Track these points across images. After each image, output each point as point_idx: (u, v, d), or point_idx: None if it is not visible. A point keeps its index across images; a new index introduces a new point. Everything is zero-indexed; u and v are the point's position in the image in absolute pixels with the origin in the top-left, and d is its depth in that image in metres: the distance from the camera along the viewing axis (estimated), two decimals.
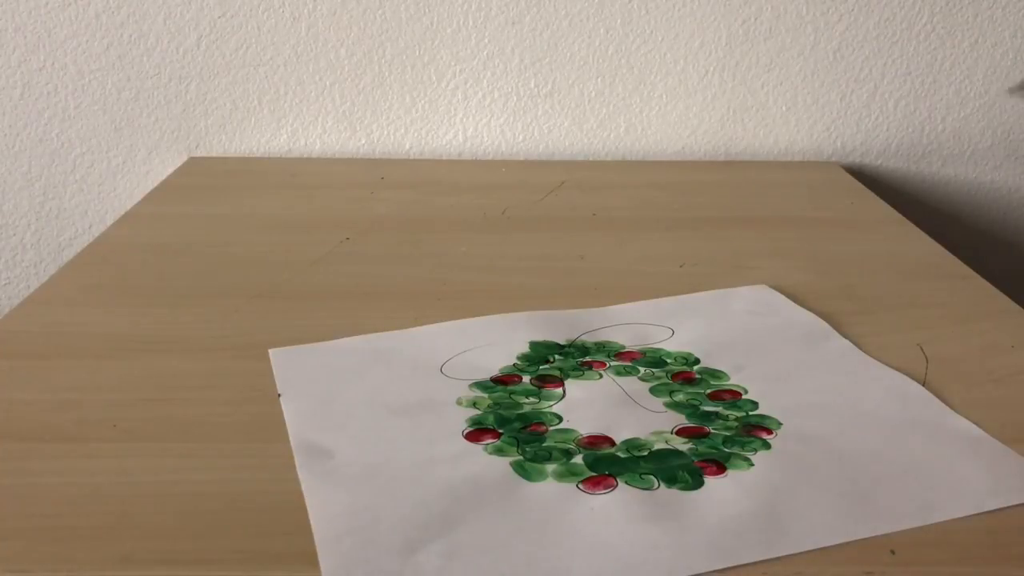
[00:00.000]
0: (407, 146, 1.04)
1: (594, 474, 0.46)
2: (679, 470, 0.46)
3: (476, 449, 0.48)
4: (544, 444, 0.48)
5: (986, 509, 0.43)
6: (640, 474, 0.46)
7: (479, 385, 0.54)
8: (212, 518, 0.43)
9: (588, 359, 0.57)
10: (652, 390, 0.54)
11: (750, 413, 0.52)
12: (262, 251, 0.75)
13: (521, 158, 1.04)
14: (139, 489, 0.45)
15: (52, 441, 0.48)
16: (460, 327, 0.60)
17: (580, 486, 0.45)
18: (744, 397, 0.54)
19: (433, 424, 0.50)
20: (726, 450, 0.48)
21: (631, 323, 0.62)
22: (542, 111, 1.03)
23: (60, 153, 1.02)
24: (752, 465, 0.47)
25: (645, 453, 0.48)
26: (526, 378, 0.55)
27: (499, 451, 0.48)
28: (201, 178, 0.96)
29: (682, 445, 0.49)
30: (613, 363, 0.57)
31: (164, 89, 1.00)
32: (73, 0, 0.96)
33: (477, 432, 0.49)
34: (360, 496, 0.43)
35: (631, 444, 0.49)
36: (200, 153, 1.02)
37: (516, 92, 1.02)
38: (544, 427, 0.50)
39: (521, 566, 0.39)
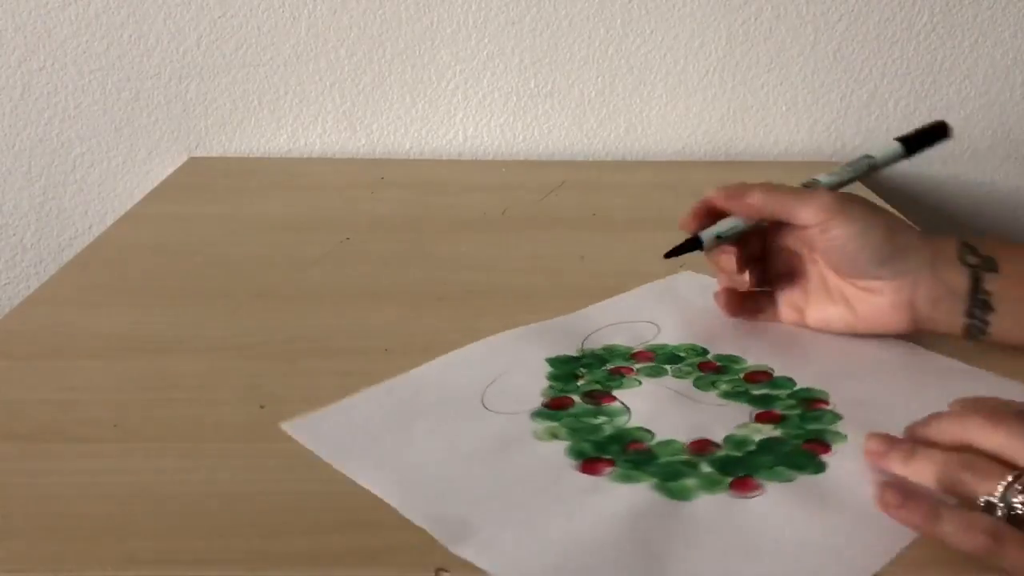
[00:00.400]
0: (407, 146, 1.04)
1: (731, 478, 0.45)
2: (796, 457, 0.47)
3: (602, 482, 0.45)
4: (660, 460, 0.46)
5: None
6: (769, 467, 0.46)
7: (540, 415, 0.50)
8: (212, 518, 0.43)
9: (611, 366, 0.56)
10: (696, 385, 0.54)
11: (795, 389, 0.53)
12: (262, 251, 0.75)
13: (521, 158, 1.04)
14: (139, 489, 0.45)
15: (52, 441, 0.48)
16: (463, 359, 0.56)
17: (730, 493, 0.44)
18: (776, 375, 0.55)
19: (535, 465, 0.46)
20: (812, 427, 0.49)
21: (618, 323, 0.61)
22: (542, 111, 1.03)
23: (60, 153, 1.02)
24: (846, 438, 0.48)
25: (753, 447, 0.48)
26: (576, 398, 0.52)
27: (627, 478, 0.45)
28: (201, 178, 0.96)
29: (773, 432, 0.49)
30: (637, 366, 0.56)
31: (164, 89, 1.00)
32: (73, 0, 0.96)
33: (589, 464, 0.46)
34: (547, 556, 0.40)
35: (735, 441, 0.48)
36: (200, 153, 1.02)
37: (516, 92, 1.02)
38: (643, 444, 0.48)
39: None
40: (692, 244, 0.57)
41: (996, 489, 0.39)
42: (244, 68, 1.00)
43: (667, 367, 0.56)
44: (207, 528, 0.42)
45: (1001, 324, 0.52)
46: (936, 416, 0.45)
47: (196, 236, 0.79)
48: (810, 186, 0.58)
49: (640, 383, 0.54)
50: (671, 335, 0.60)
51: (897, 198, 1.05)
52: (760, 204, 0.55)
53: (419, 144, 1.04)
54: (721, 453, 0.47)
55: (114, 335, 0.60)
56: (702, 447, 0.48)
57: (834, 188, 0.58)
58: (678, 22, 0.99)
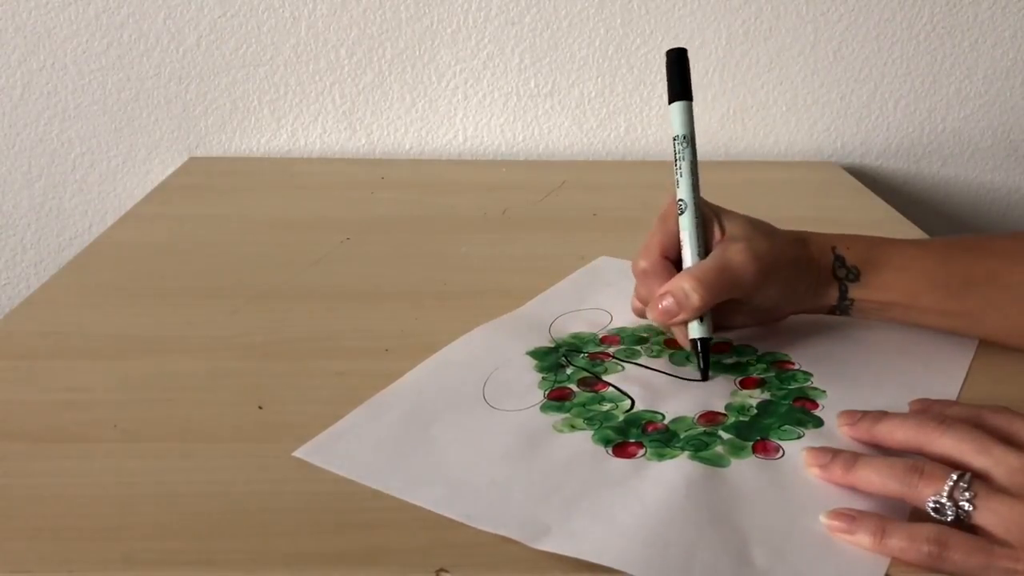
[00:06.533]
0: (407, 146, 1.04)
1: (751, 442, 0.48)
2: (793, 414, 0.51)
3: (640, 462, 0.46)
4: (682, 436, 0.48)
5: None
6: (778, 428, 0.49)
7: (548, 408, 0.51)
8: (212, 518, 0.43)
9: (587, 352, 0.57)
10: (672, 360, 0.57)
11: (759, 354, 0.57)
12: (262, 251, 0.75)
13: (521, 158, 1.04)
14: (139, 489, 0.45)
15: (52, 441, 0.48)
16: (446, 362, 0.56)
17: (756, 456, 0.47)
18: (735, 344, 0.59)
19: (570, 456, 0.47)
20: (792, 387, 0.53)
21: (572, 311, 0.63)
22: (542, 111, 1.03)
23: (60, 153, 1.02)
24: (825, 393, 0.53)
25: (755, 411, 0.51)
26: (573, 387, 0.53)
27: (661, 456, 0.46)
28: (201, 178, 0.96)
29: (762, 395, 0.53)
30: (611, 349, 0.58)
31: (164, 89, 1.00)
32: (73, 0, 0.96)
33: (620, 448, 0.47)
34: (627, 536, 0.41)
35: (736, 408, 0.51)
36: (200, 153, 1.02)
37: (516, 92, 1.02)
38: (659, 423, 0.50)
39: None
40: (706, 345, 0.55)
41: (943, 490, 0.40)
42: (244, 68, 1.00)
43: (637, 348, 0.58)
44: (207, 528, 0.42)
45: (857, 315, 0.58)
46: (888, 418, 0.46)
47: (196, 236, 0.79)
48: (681, 207, 0.56)
49: (623, 367, 0.56)
50: (624, 318, 0.62)
51: (897, 198, 1.05)
52: (697, 308, 0.54)
53: (419, 144, 1.04)
54: (730, 421, 0.50)
55: (114, 335, 0.60)
56: (711, 418, 0.50)
57: (693, 189, 0.56)
58: (678, 22, 1.00)
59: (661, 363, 0.56)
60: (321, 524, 0.42)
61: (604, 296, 0.65)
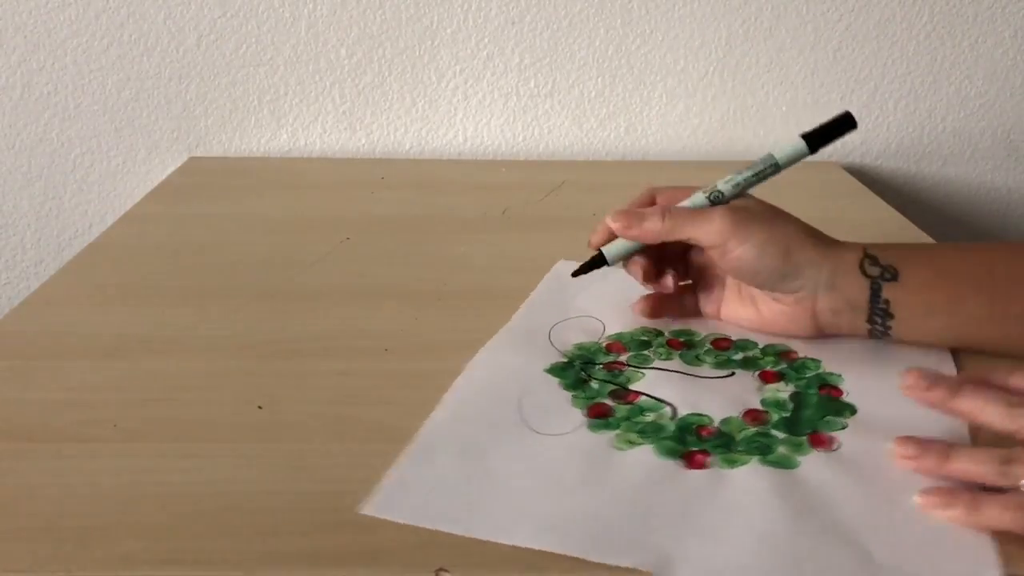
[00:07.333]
0: (407, 146, 1.04)
1: (803, 436, 0.48)
2: (827, 403, 0.51)
3: (715, 472, 0.46)
4: (739, 438, 0.48)
5: None
6: (820, 419, 0.50)
7: (595, 427, 0.50)
8: (212, 518, 0.43)
9: (601, 362, 0.56)
10: (687, 362, 0.56)
11: (761, 347, 0.58)
12: (262, 251, 0.75)
13: (521, 158, 1.04)
14: (139, 489, 0.45)
15: (52, 441, 0.48)
16: (471, 395, 0.53)
17: (816, 450, 0.47)
18: (734, 340, 0.59)
19: (644, 474, 0.46)
20: (810, 375, 0.54)
21: (564, 320, 0.61)
22: (542, 111, 1.03)
23: (60, 153, 1.02)
24: (842, 377, 0.53)
25: (791, 405, 0.51)
26: (608, 402, 0.52)
27: (731, 462, 0.46)
28: (201, 178, 0.96)
29: (787, 387, 0.53)
30: (621, 358, 0.57)
31: (164, 89, 1.00)
32: (73, 0, 0.96)
33: (688, 458, 0.47)
34: (744, 553, 0.41)
35: (773, 403, 0.52)
36: (200, 153, 1.02)
37: (516, 92, 1.02)
38: (710, 428, 0.49)
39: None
40: (597, 261, 0.58)
41: None
42: (244, 68, 1.00)
43: (646, 352, 0.58)
44: (207, 528, 0.42)
45: (900, 328, 0.55)
46: (957, 452, 0.45)
47: (196, 236, 0.79)
48: (713, 195, 0.57)
49: (643, 374, 0.55)
50: (617, 324, 0.61)
51: (897, 198, 1.05)
52: (656, 232, 0.55)
53: (419, 144, 1.04)
54: (775, 418, 0.50)
55: (114, 335, 0.60)
56: (756, 416, 0.50)
57: (735, 195, 0.57)
58: (678, 22, 1.00)
59: (675, 364, 0.56)
60: (321, 524, 0.42)
61: (585, 301, 0.64)
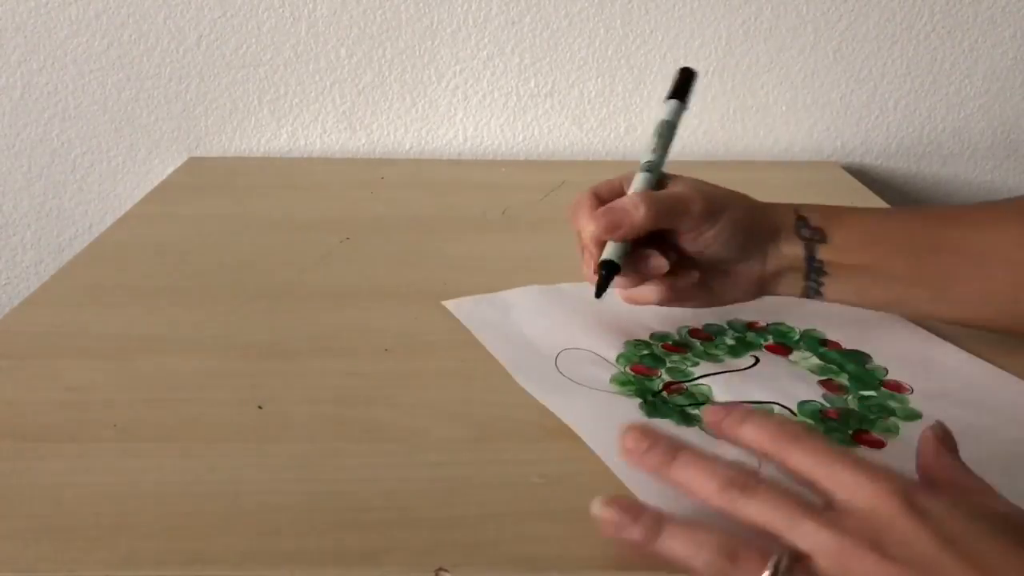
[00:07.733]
0: (407, 146, 1.04)
1: (915, 421, 0.50)
2: (888, 398, 0.53)
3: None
4: (853, 410, 0.51)
5: None
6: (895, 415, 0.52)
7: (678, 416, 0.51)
8: (212, 518, 0.43)
9: (667, 344, 0.59)
10: (733, 355, 0.58)
11: (802, 330, 0.60)
12: (262, 251, 0.75)
13: (521, 158, 1.04)
14: (139, 489, 0.45)
15: (52, 441, 0.48)
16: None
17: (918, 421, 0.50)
18: (760, 323, 0.61)
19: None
20: (872, 366, 0.57)
21: (575, 348, 0.59)
22: (542, 111, 1.03)
23: (60, 153, 1.02)
24: (887, 371, 0.56)
25: (873, 393, 0.54)
26: (686, 385, 0.54)
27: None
28: (201, 178, 0.96)
29: (846, 382, 0.55)
30: (692, 340, 0.59)
31: (164, 89, 1.00)
32: (73, 0, 0.96)
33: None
34: None
35: (860, 397, 0.53)
36: (200, 153, 1.02)
37: (516, 92, 1.02)
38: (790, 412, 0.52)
39: None
40: (610, 272, 0.54)
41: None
42: (244, 68, 1.00)
43: (718, 341, 0.60)
44: (207, 528, 0.42)
45: (831, 287, 0.57)
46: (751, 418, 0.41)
47: (196, 236, 0.79)
48: (648, 166, 0.58)
49: (694, 365, 0.57)
50: (609, 347, 0.58)
51: (897, 198, 1.05)
52: (642, 222, 0.54)
53: (419, 144, 1.04)
54: (874, 400, 0.53)
55: (114, 335, 0.60)
56: (833, 389, 0.54)
57: (662, 160, 0.58)
58: (678, 22, 0.99)
59: (723, 365, 0.57)
60: (321, 524, 0.42)
61: (577, 333, 0.60)
